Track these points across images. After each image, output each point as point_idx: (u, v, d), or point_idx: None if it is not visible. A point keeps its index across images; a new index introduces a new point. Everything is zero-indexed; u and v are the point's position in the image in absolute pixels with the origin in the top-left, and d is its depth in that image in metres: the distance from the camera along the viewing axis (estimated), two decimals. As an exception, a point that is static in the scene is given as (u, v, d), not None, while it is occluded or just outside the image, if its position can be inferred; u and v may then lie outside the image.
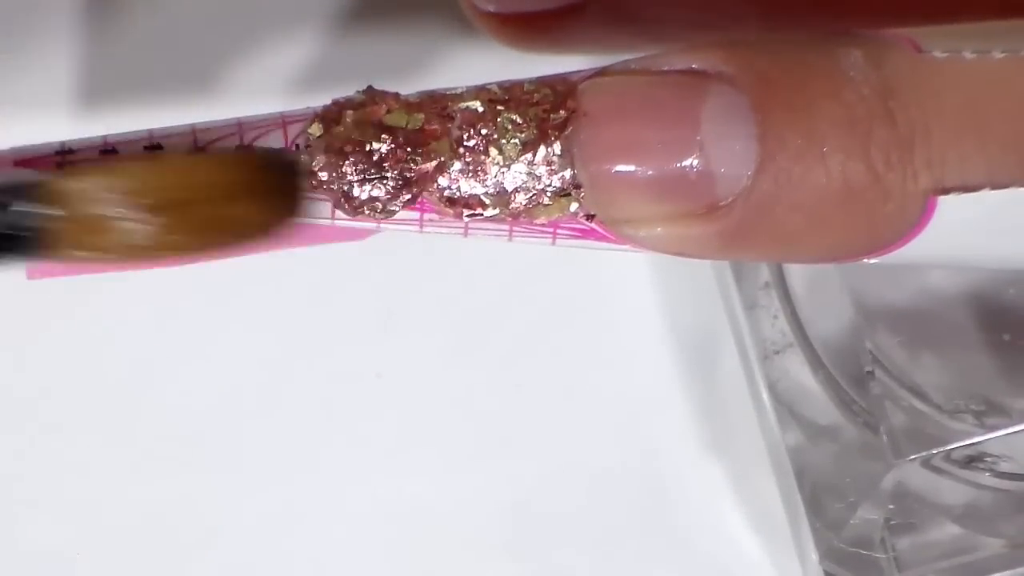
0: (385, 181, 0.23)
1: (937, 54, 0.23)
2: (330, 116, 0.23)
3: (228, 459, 0.39)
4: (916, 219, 0.23)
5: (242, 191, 0.23)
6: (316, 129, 0.23)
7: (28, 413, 0.39)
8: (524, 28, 0.29)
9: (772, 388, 0.38)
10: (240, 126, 0.23)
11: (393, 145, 0.23)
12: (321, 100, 0.24)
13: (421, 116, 0.23)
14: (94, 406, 0.39)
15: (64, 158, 0.23)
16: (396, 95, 0.23)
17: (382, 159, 0.23)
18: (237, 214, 0.22)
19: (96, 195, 0.22)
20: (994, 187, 0.23)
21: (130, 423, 0.39)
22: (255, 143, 0.23)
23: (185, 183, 0.22)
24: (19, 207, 0.22)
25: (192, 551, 0.38)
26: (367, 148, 0.23)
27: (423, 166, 0.23)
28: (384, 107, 0.23)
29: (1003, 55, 0.23)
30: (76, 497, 0.38)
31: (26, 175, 0.22)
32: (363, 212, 0.24)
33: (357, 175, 0.23)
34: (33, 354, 0.40)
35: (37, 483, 0.39)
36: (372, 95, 0.23)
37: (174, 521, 0.38)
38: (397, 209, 0.23)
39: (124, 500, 0.38)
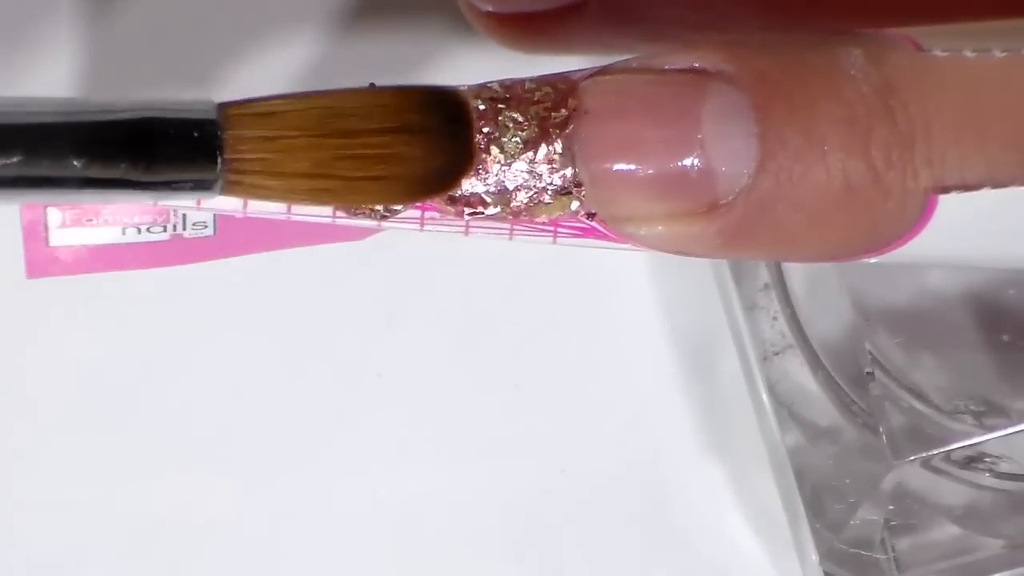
0: None
1: (937, 53, 0.23)
2: None
3: (228, 458, 0.39)
4: (916, 217, 0.23)
5: (408, 127, 0.22)
6: None
7: (28, 413, 0.39)
8: (523, 29, 0.29)
9: (772, 389, 0.38)
10: None
11: None
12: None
13: None
14: (94, 405, 0.39)
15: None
16: None
17: None
18: (400, 150, 0.22)
19: (266, 126, 0.22)
20: (994, 186, 0.23)
21: (130, 423, 0.39)
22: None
23: (351, 113, 0.22)
24: (204, 134, 0.22)
25: (192, 550, 0.38)
26: None
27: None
28: None
29: (1004, 54, 0.23)
30: (76, 497, 0.38)
31: (203, 105, 0.22)
32: (363, 212, 0.24)
33: None
34: (33, 354, 0.40)
35: (37, 483, 0.39)
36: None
37: (174, 521, 0.38)
38: (400, 208, 0.23)
39: (124, 500, 0.38)
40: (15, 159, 0.21)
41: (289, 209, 0.23)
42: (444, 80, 0.24)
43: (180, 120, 0.22)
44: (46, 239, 0.25)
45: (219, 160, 0.22)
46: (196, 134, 0.22)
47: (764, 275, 0.38)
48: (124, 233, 0.25)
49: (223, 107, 0.22)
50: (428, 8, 0.40)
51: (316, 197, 0.22)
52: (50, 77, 0.40)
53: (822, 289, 0.36)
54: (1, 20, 0.41)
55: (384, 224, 0.24)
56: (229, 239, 0.26)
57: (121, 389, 0.39)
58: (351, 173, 0.22)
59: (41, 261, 0.25)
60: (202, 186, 0.22)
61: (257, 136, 0.22)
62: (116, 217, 0.25)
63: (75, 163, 0.21)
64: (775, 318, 0.37)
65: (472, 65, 0.24)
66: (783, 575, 0.38)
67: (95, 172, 0.21)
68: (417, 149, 0.22)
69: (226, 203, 0.23)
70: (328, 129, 0.22)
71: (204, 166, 0.22)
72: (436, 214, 0.23)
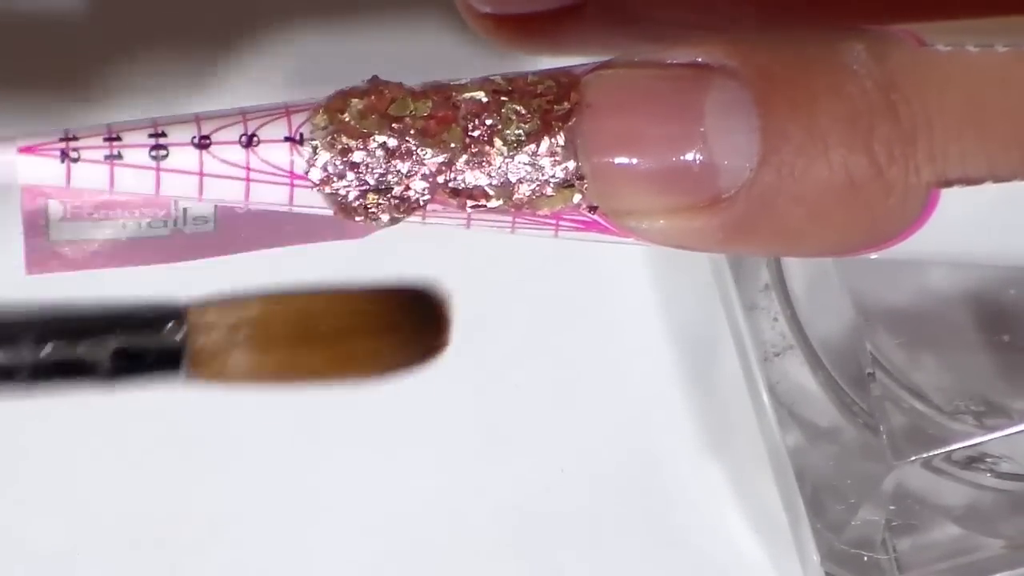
0: (388, 194, 0.23)
1: (940, 48, 0.23)
2: (334, 106, 0.23)
3: (227, 458, 0.39)
4: (918, 213, 0.23)
5: (382, 328, 0.23)
6: (321, 120, 0.23)
7: (27, 412, 0.39)
8: (520, 30, 0.29)
9: (772, 390, 0.38)
10: (244, 115, 0.23)
11: (399, 139, 0.23)
12: (323, 96, 0.24)
13: (428, 104, 0.23)
14: (95, 403, 0.39)
15: (68, 145, 0.23)
16: (400, 85, 0.23)
17: (390, 155, 0.23)
18: (376, 348, 0.23)
19: (231, 328, 0.23)
20: (996, 181, 0.23)
21: (129, 422, 0.39)
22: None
23: (319, 316, 0.23)
24: (170, 332, 0.23)
25: (191, 551, 0.38)
26: (373, 148, 0.23)
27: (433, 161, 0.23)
28: (389, 96, 0.23)
29: (1006, 49, 0.23)
30: (76, 497, 0.38)
31: (170, 306, 0.23)
32: (362, 215, 0.24)
33: (359, 184, 0.23)
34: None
35: (37, 483, 0.39)
36: (377, 84, 0.23)
37: (173, 521, 0.38)
38: (401, 218, 0.24)
39: (124, 500, 0.38)
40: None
41: (291, 201, 0.23)
42: (445, 77, 0.24)
43: (149, 313, 0.23)
44: (47, 233, 0.25)
45: (183, 364, 0.23)
46: (162, 326, 0.23)
47: (764, 275, 0.38)
48: (125, 227, 0.25)
49: (191, 307, 0.23)
50: (428, 7, 0.40)
51: (277, 385, 0.23)
52: (50, 77, 0.41)
53: (822, 289, 0.36)
54: (2, 16, 0.41)
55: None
56: (230, 235, 0.26)
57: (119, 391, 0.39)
58: (321, 370, 0.23)
59: (41, 256, 0.25)
60: (167, 374, 0.23)
61: (224, 340, 0.23)
62: (117, 212, 0.25)
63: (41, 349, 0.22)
64: (775, 318, 0.37)
65: (472, 65, 0.24)
66: (783, 575, 0.38)
67: (59, 355, 0.22)
68: (390, 347, 0.23)
69: (227, 194, 0.23)
70: (297, 336, 0.23)
71: (168, 356, 0.23)
72: (439, 207, 0.23)
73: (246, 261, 0.27)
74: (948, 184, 0.23)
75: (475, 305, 0.40)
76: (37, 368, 0.23)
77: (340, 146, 0.23)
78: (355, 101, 0.23)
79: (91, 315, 0.23)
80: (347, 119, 0.23)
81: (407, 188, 0.23)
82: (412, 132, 0.23)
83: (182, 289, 0.39)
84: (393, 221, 0.24)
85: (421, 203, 0.23)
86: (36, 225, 0.24)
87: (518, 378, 0.39)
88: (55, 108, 0.40)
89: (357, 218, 0.23)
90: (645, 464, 0.39)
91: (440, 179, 0.23)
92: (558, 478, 0.39)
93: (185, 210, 0.25)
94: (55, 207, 0.24)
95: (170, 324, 0.23)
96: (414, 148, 0.23)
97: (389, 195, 0.23)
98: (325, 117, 0.23)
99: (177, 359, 0.23)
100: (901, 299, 0.36)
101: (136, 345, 0.23)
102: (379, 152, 0.23)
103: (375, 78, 0.23)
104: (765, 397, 0.38)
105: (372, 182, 0.23)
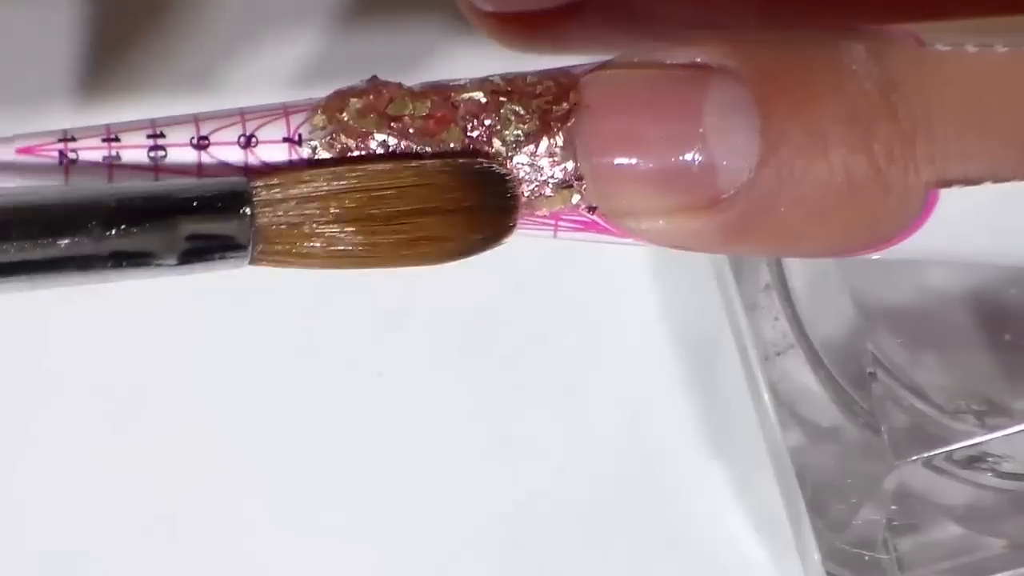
0: None
1: (939, 48, 0.23)
2: (333, 105, 0.23)
3: (227, 458, 0.39)
4: (918, 213, 0.23)
5: (451, 207, 0.23)
6: (319, 120, 0.23)
7: (28, 412, 0.39)
8: (522, 28, 0.29)
9: (773, 389, 0.38)
10: (242, 116, 0.23)
11: (399, 136, 0.23)
12: (322, 96, 0.24)
13: (427, 104, 0.23)
14: (95, 403, 0.39)
15: (67, 146, 0.23)
16: (399, 84, 0.23)
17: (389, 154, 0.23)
18: (440, 231, 0.23)
19: (297, 206, 0.22)
20: (996, 181, 0.23)
21: (129, 421, 0.39)
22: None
23: (387, 194, 0.22)
24: (230, 215, 0.22)
25: (190, 551, 0.38)
26: (372, 143, 0.23)
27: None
28: (388, 96, 0.23)
29: (1006, 49, 0.23)
30: (77, 497, 0.38)
31: (232, 182, 0.22)
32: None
33: None
34: (32, 354, 0.40)
35: (38, 483, 0.39)
36: (375, 84, 0.23)
37: (173, 521, 0.38)
38: None
39: (125, 500, 0.38)
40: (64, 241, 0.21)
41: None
42: (445, 77, 0.24)
43: (212, 194, 0.22)
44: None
45: (250, 240, 0.22)
46: (228, 208, 0.22)
47: (765, 275, 0.38)
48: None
49: (256, 185, 0.22)
50: (428, 7, 0.40)
51: (347, 268, 0.22)
52: (50, 77, 0.41)
53: (823, 289, 0.36)
54: (1, 20, 0.41)
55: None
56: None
57: (121, 389, 0.39)
58: (389, 251, 0.22)
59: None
60: (232, 258, 0.22)
61: (289, 219, 0.22)
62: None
63: (106, 235, 0.21)
64: (776, 318, 0.37)
65: (472, 64, 0.24)
66: (785, 575, 0.38)
67: (123, 245, 0.21)
68: (460, 228, 0.23)
69: None
70: (367, 213, 0.22)
71: (234, 239, 0.22)
72: None
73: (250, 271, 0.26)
74: (948, 184, 0.23)
75: (476, 305, 0.40)
76: (98, 255, 0.21)
77: (339, 146, 0.23)
78: (354, 100, 0.23)
79: (153, 196, 0.22)
80: (346, 118, 0.23)
81: None
82: (411, 131, 0.23)
83: (183, 289, 0.40)
84: None
85: None
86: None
87: (518, 378, 0.39)
88: (53, 108, 0.40)
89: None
90: (645, 464, 0.39)
91: None
92: (558, 478, 0.39)
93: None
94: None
95: (235, 201, 0.22)
96: (414, 147, 0.23)
97: None
98: (324, 117, 0.23)
99: (243, 238, 0.22)
100: (902, 298, 0.36)
101: (202, 230, 0.22)
102: (379, 151, 0.23)
103: (374, 78, 0.23)
104: (766, 396, 0.38)
105: None
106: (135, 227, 0.21)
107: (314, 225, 0.22)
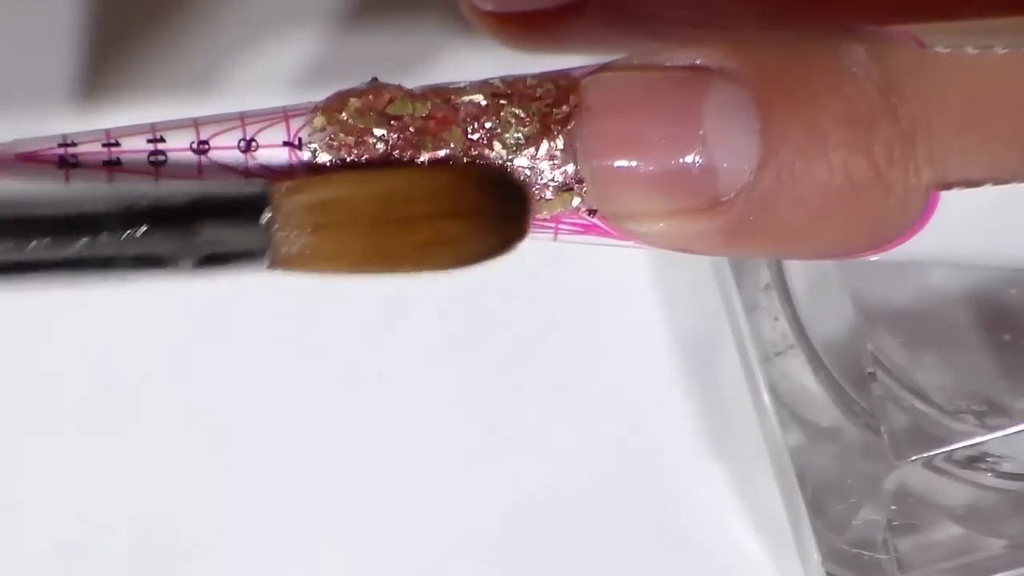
0: None
1: (939, 49, 0.23)
2: (333, 107, 0.23)
3: (227, 458, 0.39)
4: (918, 214, 0.23)
5: (466, 210, 0.23)
6: (319, 122, 0.23)
7: (29, 412, 0.39)
8: (523, 28, 0.29)
9: (773, 390, 0.38)
10: (242, 119, 0.23)
11: (399, 135, 0.23)
12: (322, 97, 0.24)
13: (427, 105, 0.23)
14: (96, 404, 0.39)
15: (67, 151, 0.23)
16: (399, 86, 0.23)
17: (389, 152, 0.23)
18: (456, 234, 0.23)
19: (313, 211, 0.22)
20: (996, 182, 0.23)
21: (129, 422, 0.39)
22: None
23: (404, 198, 0.22)
24: (250, 220, 0.22)
25: (190, 551, 0.38)
26: (372, 143, 0.23)
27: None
28: (388, 96, 0.23)
29: (1005, 51, 0.23)
30: (77, 497, 0.38)
31: (253, 186, 0.22)
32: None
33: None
34: (32, 354, 0.40)
35: (38, 483, 0.39)
36: (376, 86, 0.23)
37: (172, 522, 0.38)
38: None
39: (122, 500, 0.38)
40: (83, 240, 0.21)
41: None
42: (445, 78, 0.24)
43: (231, 198, 0.22)
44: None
45: (268, 246, 0.22)
46: (246, 213, 0.22)
47: (765, 275, 0.38)
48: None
49: (275, 190, 0.22)
50: (428, 7, 0.40)
51: (365, 272, 0.23)
52: (50, 78, 0.41)
53: (823, 289, 0.36)
54: (1, 21, 0.41)
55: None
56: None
57: (120, 389, 0.39)
58: (405, 256, 0.22)
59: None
60: (249, 263, 0.22)
61: (308, 224, 0.22)
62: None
63: (124, 236, 0.21)
64: (776, 318, 0.37)
65: (472, 64, 0.24)
66: (784, 575, 0.38)
67: (142, 247, 0.21)
68: (475, 232, 0.23)
69: None
70: (384, 217, 0.22)
71: (252, 245, 0.22)
72: None
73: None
74: (948, 186, 0.23)
75: (475, 306, 0.40)
76: (117, 257, 0.21)
77: (338, 145, 0.23)
78: (354, 100, 0.23)
79: (172, 200, 0.22)
80: (344, 117, 0.23)
81: None
82: (411, 131, 0.23)
83: (183, 289, 0.40)
84: None
85: None
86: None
87: (518, 378, 0.39)
88: (53, 113, 0.40)
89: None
90: (645, 464, 0.39)
91: None
92: (558, 478, 0.39)
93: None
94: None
95: (254, 207, 0.22)
96: (413, 146, 0.23)
97: None
98: (323, 119, 0.23)
99: (262, 243, 0.22)
100: (902, 298, 0.36)
101: (219, 232, 0.22)
102: (380, 147, 0.23)
103: (375, 80, 0.23)
104: (766, 397, 0.38)
105: None
106: (155, 229, 0.21)
107: (332, 231, 0.22)
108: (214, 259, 0.22)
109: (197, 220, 0.22)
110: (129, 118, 0.23)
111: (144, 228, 0.21)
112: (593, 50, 0.28)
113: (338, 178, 0.22)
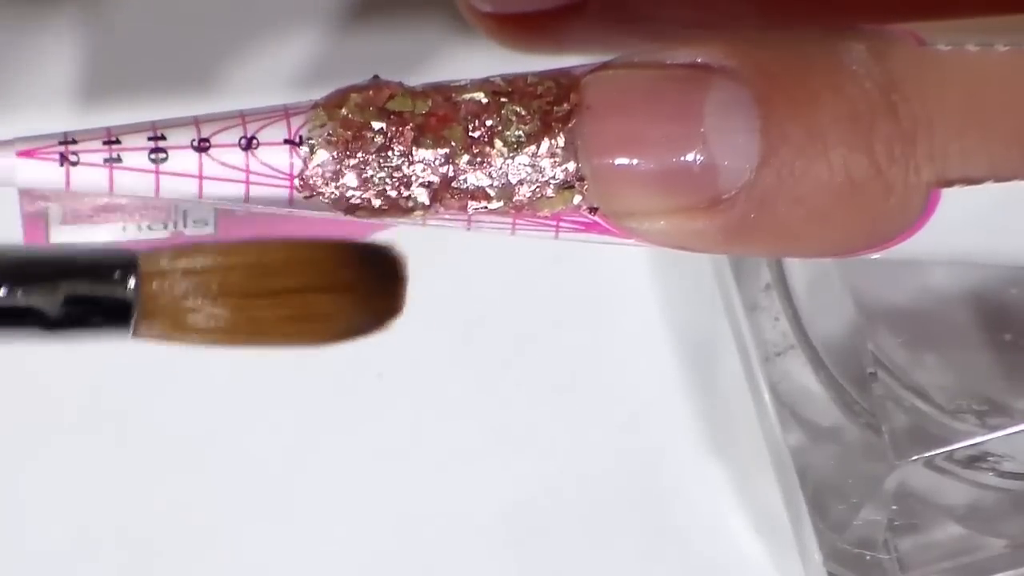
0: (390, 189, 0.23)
1: (940, 47, 0.23)
2: (333, 103, 0.23)
3: (227, 459, 0.39)
4: (919, 213, 0.23)
5: (337, 286, 0.22)
6: (319, 118, 0.23)
7: (29, 414, 0.39)
8: (521, 28, 0.29)
9: (774, 389, 0.38)
10: (243, 118, 0.23)
11: (399, 133, 0.23)
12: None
13: (428, 102, 0.23)
14: (96, 405, 0.39)
15: (68, 149, 0.23)
16: (400, 83, 0.23)
17: (387, 147, 0.23)
18: (326, 309, 0.22)
19: (182, 279, 0.22)
20: (997, 180, 0.23)
21: (129, 423, 0.39)
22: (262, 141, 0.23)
23: (275, 271, 0.22)
24: (118, 281, 0.22)
25: (190, 552, 0.38)
26: (370, 137, 0.23)
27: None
28: (388, 93, 0.23)
29: (1006, 48, 0.23)
30: (77, 498, 0.38)
31: (122, 253, 0.22)
32: (363, 215, 0.23)
33: (359, 185, 0.23)
34: (33, 355, 0.39)
35: (38, 483, 0.39)
36: (377, 82, 0.23)
37: (172, 522, 0.38)
38: (403, 220, 0.23)
39: (122, 501, 0.38)
40: None
41: (291, 201, 0.23)
42: (445, 77, 0.24)
43: (98, 260, 0.22)
44: (47, 236, 0.25)
45: (133, 314, 0.22)
46: (115, 280, 0.22)
47: (765, 275, 0.38)
48: (124, 230, 0.25)
49: (144, 256, 0.22)
50: (428, 7, 0.40)
51: (234, 343, 0.22)
52: (50, 78, 0.41)
53: (824, 289, 0.36)
54: (1, 21, 0.41)
55: (388, 221, 0.24)
56: (230, 237, 0.26)
57: (120, 390, 0.39)
58: (274, 329, 0.22)
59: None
60: (113, 328, 0.22)
61: (176, 291, 0.22)
62: (116, 215, 0.25)
63: None
64: (777, 318, 0.37)
65: (472, 64, 0.24)
66: (785, 575, 0.38)
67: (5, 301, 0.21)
68: (346, 307, 0.23)
69: (227, 197, 0.23)
70: (254, 289, 0.22)
71: (118, 314, 0.22)
72: (440, 207, 0.23)
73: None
74: (949, 184, 0.23)
75: (475, 305, 0.40)
76: None
77: (337, 140, 0.23)
78: (354, 96, 0.23)
79: (39, 260, 0.22)
80: (344, 112, 0.23)
81: (408, 187, 0.23)
82: (411, 127, 0.23)
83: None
84: (394, 218, 0.24)
85: (421, 203, 0.23)
86: (36, 228, 0.24)
87: (518, 378, 0.39)
88: (54, 111, 0.40)
89: (358, 217, 0.23)
90: (645, 464, 0.39)
91: (441, 170, 0.23)
92: (558, 478, 0.39)
93: (185, 212, 0.25)
94: (55, 210, 0.24)
95: (120, 271, 0.22)
96: (413, 144, 0.23)
97: (389, 196, 0.23)
98: (323, 115, 0.23)
99: (127, 309, 0.22)
100: (902, 298, 0.36)
101: (85, 292, 0.22)
102: (378, 140, 0.23)
103: (376, 78, 0.23)
104: (767, 397, 0.38)
105: (375, 181, 0.23)
106: (18, 286, 0.21)
107: (197, 300, 0.22)
108: (76, 318, 0.22)
109: (62, 277, 0.22)
110: (129, 118, 0.24)
111: (8, 285, 0.21)
112: (593, 50, 0.28)
113: (210, 247, 0.22)
